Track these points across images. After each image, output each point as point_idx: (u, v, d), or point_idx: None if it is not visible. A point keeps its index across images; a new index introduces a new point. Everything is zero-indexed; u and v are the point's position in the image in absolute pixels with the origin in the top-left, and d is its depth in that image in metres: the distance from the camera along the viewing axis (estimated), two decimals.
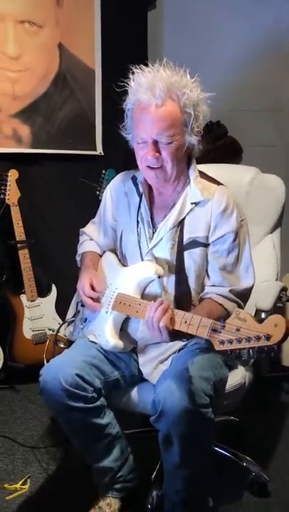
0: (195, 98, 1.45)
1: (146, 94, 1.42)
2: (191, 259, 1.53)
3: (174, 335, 1.37)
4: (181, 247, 1.53)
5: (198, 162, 1.61)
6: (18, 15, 2.51)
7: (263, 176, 1.99)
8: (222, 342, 1.22)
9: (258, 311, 1.66)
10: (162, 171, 1.49)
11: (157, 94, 1.41)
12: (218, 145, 2.90)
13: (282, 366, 2.49)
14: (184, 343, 1.53)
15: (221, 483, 1.74)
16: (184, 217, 1.54)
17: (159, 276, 1.51)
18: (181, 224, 1.54)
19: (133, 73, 1.47)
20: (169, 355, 1.53)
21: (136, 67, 1.47)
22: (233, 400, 1.59)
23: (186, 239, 1.53)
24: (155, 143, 1.45)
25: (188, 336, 1.44)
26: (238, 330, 1.20)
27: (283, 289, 1.85)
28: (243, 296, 1.54)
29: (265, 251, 1.92)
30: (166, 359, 1.53)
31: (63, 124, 2.73)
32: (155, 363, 1.54)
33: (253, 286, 1.56)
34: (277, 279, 1.91)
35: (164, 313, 1.35)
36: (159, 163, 1.48)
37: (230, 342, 1.20)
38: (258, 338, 1.15)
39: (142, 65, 1.47)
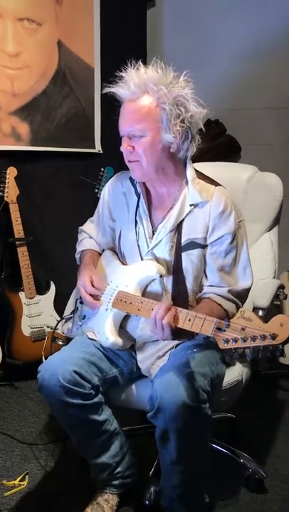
0: (176, 95, 1.43)
1: (123, 89, 1.46)
2: (189, 260, 1.53)
3: (177, 333, 1.37)
4: (179, 249, 1.54)
5: (197, 160, 1.61)
6: (17, 12, 2.50)
7: (261, 174, 2.00)
8: (227, 341, 1.22)
9: (255, 309, 1.67)
10: (138, 165, 1.51)
11: (132, 89, 1.44)
12: (217, 143, 2.90)
13: (279, 364, 2.50)
14: (183, 340, 1.53)
15: (218, 479, 1.76)
16: (183, 219, 1.54)
17: (161, 276, 1.52)
18: (179, 226, 1.54)
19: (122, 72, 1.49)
20: (167, 351, 1.54)
21: (124, 67, 1.49)
22: (230, 397, 1.60)
23: (184, 240, 1.54)
24: (129, 137, 1.48)
25: (190, 336, 1.44)
26: (243, 329, 1.20)
27: (281, 287, 1.85)
28: (241, 297, 1.54)
29: (262, 249, 1.93)
30: (164, 355, 1.54)
31: (62, 121, 2.74)
32: (153, 359, 1.55)
33: (251, 286, 1.57)
34: (274, 277, 1.92)
35: (167, 311, 1.36)
36: (134, 157, 1.50)
37: (235, 341, 1.20)
38: (264, 338, 1.16)
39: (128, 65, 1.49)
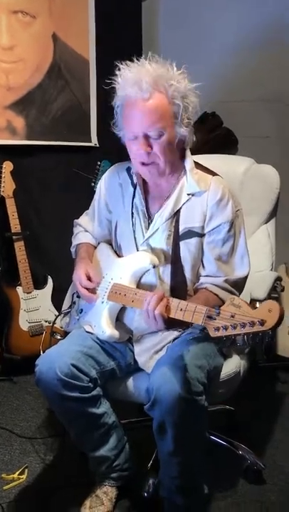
0: (183, 89, 1.44)
1: (133, 88, 1.42)
2: (187, 249, 1.54)
3: (170, 323, 1.38)
4: (176, 238, 1.54)
5: (193, 153, 1.61)
6: (10, 5, 2.48)
7: (258, 166, 1.99)
8: (217, 329, 1.23)
9: (252, 301, 1.67)
10: (155, 166, 1.49)
11: (144, 88, 1.41)
12: (213, 136, 2.89)
13: (277, 356, 2.51)
14: (179, 332, 1.54)
15: (217, 470, 1.77)
16: (180, 208, 1.54)
17: (154, 266, 1.52)
18: (177, 214, 1.54)
19: (119, 70, 1.46)
20: (164, 345, 1.54)
21: (122, 64, 1.46)
22: (228, 389, 1.60)
23: (181, 229, 1.54)
24: (146, 137, 1.45)
25: (183, 325, 1.45)
26: (232, 316, 1.21)
27: (278, 279, 1.85)
28: (237, 286, 1.55)
29: (259, 241, 1.92)
30: (161, 349, 1.54)
31: (58, 115, 2.72)
32: (150, 353, 1.55)
33: (247, 275, 1.57)
34: (271, 269, 1.92)
35: (159, 301, 1.36)
36: (150, 159, 1.48)
37: (226, 328, 1.21)
38: (253, 324, 1.16)
39: (127, 61, 1.46)
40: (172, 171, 1.54)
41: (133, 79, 1.42)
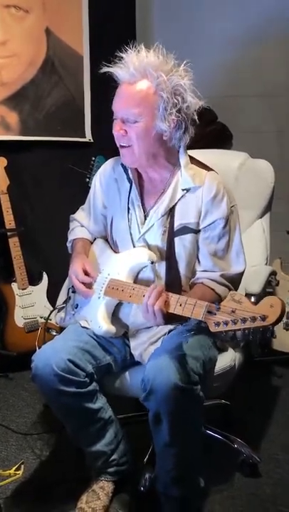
0: (177, 85, 1.42)
1: (122, 70, 1.44)
2: (182, 245, 1.53)
3: (169, 318, 1.38)
4: (171, 234, 1.54)
5: (188, 148, 1.60)
6: None
7: (252, 160, 1.99)
8: (217, 324, 1.22)
9: (247, 295, 1.67)
10: (130, 151, 1.50)
11: (131, 72, 1.42)
12: (208, 131, 2.89)
13: (273, 350, 2.52)
14: (175, 325, 1.54)
15: (213, 464, 1.77)
16: (175, 204, 1.54)
17: (152, 262, 1.52)
18: (172, 210, 1.54)
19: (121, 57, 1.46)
20: (160, 337, 1.54)
21: (126, 47, 1.46)
22: (223, 382, 1.61)
23: (176, 225, 1.53)
24: (122, 120, 1.46)
25: (182, 320, 1.45)
26: (233, 311, 1.21)
27: (273, 273, 1.86)
28: (233, 281, 1.55)
29: (254, 236, 1.93)
30: (157, 341, 1.54)
31: (52, 110, 2.71)
32: (146, 345, 1.55)
33: (243, 271, 1.57)
34: (266, 264, 1.93)
35: (158, 297, 1.36)
36: (125, 142, 1.48)
37: (226, 323, 1.21)
38: (254, 319, 1.16)
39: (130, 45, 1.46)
40: (163, 165, 1.53)
41: (125, 61, 1.44)
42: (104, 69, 1.47)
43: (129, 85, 1.44)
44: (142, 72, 1.42)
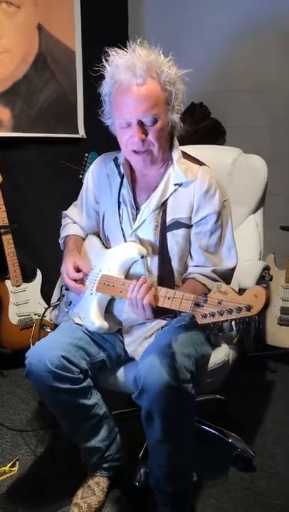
0: (173, 76, 1.44)
1: (126, 74, 1.40)
2: (174, 240, 1.54)
3: (158, 312, 1.38)
4: (164, 229, 1.54)
5: (181, 144, 1.60)
6: None
7: (246, 156, 1.99)
8: (204, 316, 1.23)
9: (241, 290, 1.68)
10: (149, 155, 1.48)
11: (138, 74, 1.39)
12: (201, 127, 2.89)
13: (266, 345, 2.53)
14: (168, 321, 1.54)
15: (207, 459, 1.78)
16: (167, 199, 1.54)
17: (142, 257, 1.52)
18: (164, 205, 1.54)
19: (108, 56, 1.45)
20: (153, 332, 1.54)
21: (111, 50, 1.44)
22: (216, 378, 1.61)
23: (168, 220, 1.53)
24: (140, 124, 1.43)
25: (172, 313, 1.45)
26: (219, 303, 1.21)
27: (266, 268, 1.86)
28: (225, 277, 1.55)
29: (248, 231, 1.93)
30: (150, 336, 1.54)
31: (44, 106, 2.70)
32: (140, 341, 1.55)
33: (235, 266, 1.57)
34: (260, 259, 1.93)
35: (147, 291, 1.36)
36: (145, 147, 1.46)
37: (213, 315, 1.21)
38: (239, 310, 1.17)
39: (115, 48, 1.45)
40: (162, 159, 1.53)
41: (126, 64, 1.40)
42: (108, 80, 1.44)
43: (139, 87, 1.40)
44: (147, 72, 1.40)
